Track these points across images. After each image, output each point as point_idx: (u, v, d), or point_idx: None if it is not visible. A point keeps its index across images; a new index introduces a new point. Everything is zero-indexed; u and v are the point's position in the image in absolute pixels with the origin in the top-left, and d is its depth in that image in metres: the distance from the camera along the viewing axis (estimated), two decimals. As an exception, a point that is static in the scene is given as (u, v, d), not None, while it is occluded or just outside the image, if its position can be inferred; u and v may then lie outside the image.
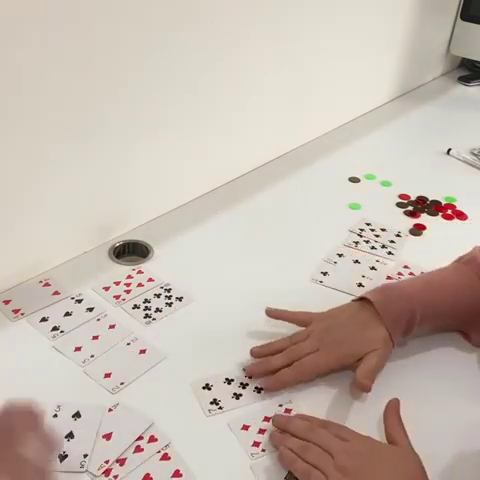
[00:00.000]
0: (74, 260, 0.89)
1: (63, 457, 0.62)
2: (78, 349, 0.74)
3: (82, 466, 0.61)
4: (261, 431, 0.66)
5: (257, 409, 0.69)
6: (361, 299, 0.76)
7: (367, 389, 0.69)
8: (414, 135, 1.38)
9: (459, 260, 0.81)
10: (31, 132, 0.75)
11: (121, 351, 0.75)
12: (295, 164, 1.19)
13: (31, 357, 0.73)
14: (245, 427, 0.66)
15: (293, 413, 0.68)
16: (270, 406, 0.69)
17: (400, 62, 1.48)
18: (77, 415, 0.66)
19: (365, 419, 0.69)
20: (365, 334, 0.72)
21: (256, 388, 0.71)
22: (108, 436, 0.64)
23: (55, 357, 0.73)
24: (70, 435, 0.64)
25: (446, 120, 1.47)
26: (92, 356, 0.73)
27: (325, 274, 0.90)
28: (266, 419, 0.67)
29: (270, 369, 0.71)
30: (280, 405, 0.69)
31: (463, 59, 1.76)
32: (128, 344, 0.76)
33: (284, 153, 1.21)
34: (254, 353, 0.73)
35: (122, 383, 0.70)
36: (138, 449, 0.63)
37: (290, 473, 0.61)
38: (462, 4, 1.60)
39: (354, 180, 1.16)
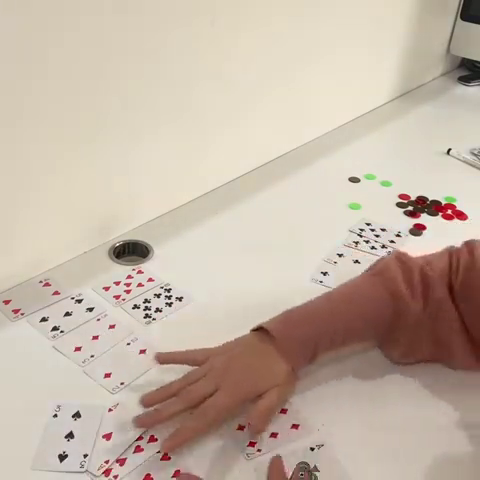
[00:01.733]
0: (74, 260, 0.89)
1: (63, 457, 0.62)
2: (78, 349, 0.74)
3: (82, 466, 0.61)
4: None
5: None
6: (261, 328, 0.69)
7: (259, 433, 0.64)
8: (414, 135, 1.38)
9: (370, 269, 0.75)
10: (31, 132, 0.75)
11: (121, 351, 0.75)
12: (295, 164, 1.19)
13: (31, 357, 0.73)
14: (241, 427, 0.66)
15: (289, 413, 0.68)
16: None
17: (400, 62, 1.48)
18: (77, 415, 0.66)
19: (364, 419, 0.69)
20: (266, 368, 0.66)
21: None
22: (108, 436, 0.64)
23: (55, 357, 0.73)
24: (70, 435, 0.64)
25: (446, 120, 1.47)
26: (92, 356, 0.73)
27: (325, 274, 0.90)
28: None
29: (164, 419, 0.63)
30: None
31: (463, 59, 1.76)
32: (128, 344, 0.76)
33: (284, 153, 1.22)
34: (145, 402, 0.64)
35: (122, 383, 0.70)
36: (138, 449, 0.63)
37: (293, 473, 0.61)
38: (462, 4, 1.61)
39: (354, 180, 1.16)
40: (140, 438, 0.64)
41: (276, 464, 0.59)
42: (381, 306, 0.70)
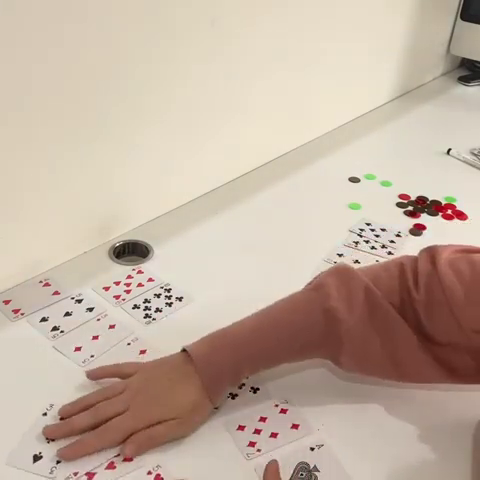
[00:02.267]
0: (74, 260, 0.89)
1: (37, 458, 0.61)
2: (78, 349, 0.74)
3: (51, 472, 0.60)
4: (257, 431, 0.66)
5: (253, 409, 0.69)
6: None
7: (126, 454, 0.62)
8: (414, 135, 1.38)
9: (310, 283, 0.71)
10: (31, 132, 0.75)
11: (121, 351, 0.75)
12: (295, 164, 1.19)
13: (31, 357, 0.73)
14: (241, 427, 0.66)
15: (289, 413, 0.68)
16: (266, 406, 0.69)
17: (400, 62, 1.48)
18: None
19: (363, 419, 0.69)
20: (175, 396, 0.65)
21: (252, 388, 0.71)
22: None
23: (55, 357, 0.73)
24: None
25: (446, 120, 1.47)
26: (92, 356, 0.73)
27: (325, 274, 0.90)
28: (262, 419, 0.67)
29: (72, 432, 0.63)
30: (276, 405, 0.69)
31: (463, 59, 1.76)
32: (128, 344, 0.76)
33: (284, 153, 1.22)
34: (62, 413, 0.65)
35: (122, 383, 0.70)
36: (110, 466, 0.61)
37: (293, 473, 0.61)
38: (462, 4, 1.61)
39: (354, 180, 1.16)
40: (117, 455, 0.62)
41: (271, 469, 0.59)
42: (312, 326, 0.67)
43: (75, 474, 0.60)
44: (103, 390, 0.67)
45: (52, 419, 0.65)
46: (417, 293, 0.66)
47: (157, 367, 0.68)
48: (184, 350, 0.68)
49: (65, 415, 0.65)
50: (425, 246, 0.70)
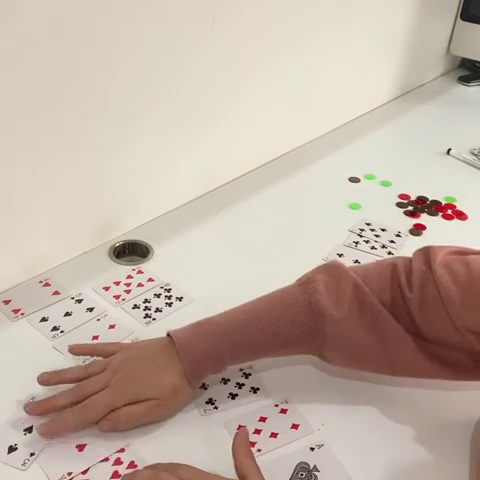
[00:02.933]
0: (74, 260, 0.89)
1: (12, 449, 0.61)
2: (78, 349, 0.74)
3: (24, 464, 0.60)
4: (257, 431, 0.66)
5: (253, 409, 0.69)
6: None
7: (102, 430, 0.64)
8: (414, 135, 1.38)
9: (299, 279, 0.72)
10: (31, 133, 0.75)
11: (121, 351, 0.75)
12: (295, 164, 1.19)
13: (31, 357, 0.73)
14: (241, 427, 0.66)
15: (289, 413, 0.68)
16: (266, 406, 0.69)
17: (400, 62, 1.48)
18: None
19: (363, 419, 0.69)
20: (155, 378, 0.65)
21: (252, 388, 0.71)
22: (81, 447, 0.63)
23: (55, 357, 0.73)
24: (29, 430, 0.64)
25: (446, 120, 1.47)
26: (92, 356, 0.73)
27: (325, 274, 0.90)
28: (262, 419, 0.67)
29: (53, 409, 0.64)
30: (276, 405, 0.69)
31: (463, 59, 1.76)
32: (128, 344, 0.76)
33: (284, 153, 1.22)
34: (41, 380, 0.66)
35: (122, 383, 0.70)
36: (116, 475, 0.61)
37: (293, 473, 0.61)
38: (462, 4, 1.60)
39: (354, 180, 1.16)
40: (119, 462, 0.62)
41: (242, 436, 0.60)
42: (298, 320, 0.67)
43: (69, 474, 0.60)
44: (84, 366, 0.68)
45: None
46: (410, 292, 0.66)
47: (141, 348, 0.69)
48: (169, 335, 0.68)
49: (46, 383, 0.66)
50: (423, 246, 0.70)
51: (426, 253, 0.68)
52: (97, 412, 0.63)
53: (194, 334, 0.67)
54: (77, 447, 0.63)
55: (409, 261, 0.69)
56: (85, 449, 0.63)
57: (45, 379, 0.66)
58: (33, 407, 0.64)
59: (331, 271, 0.70)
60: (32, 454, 0.61)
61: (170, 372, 0.66)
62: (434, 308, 0.65)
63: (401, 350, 0.67)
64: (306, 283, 0.69)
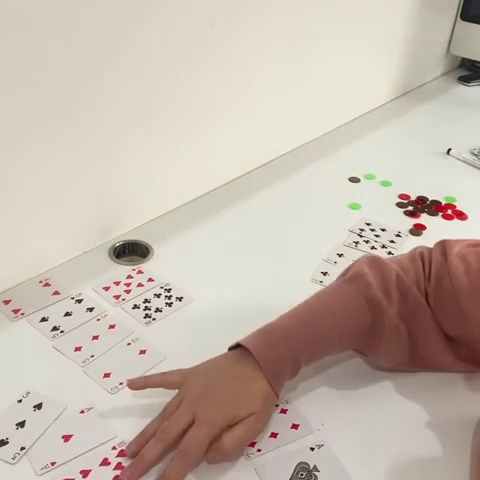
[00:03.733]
0: (74, 260, 0.89)
1: (3, 443, 0.62)
2: (78, 349, 0.74)
3: (14, 458, 0.60)
4: (257, 431, 0.66)
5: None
6: (238, 346, 0.66)
7: (211, 462, 0.61)
8: (414, 135, 1.38)
9: (344, 274, 0.73)
10: (31, 132, 0.75)
11: (121, 351, 0.75)
12: (295, 164, 1.19)
13: (31, 357, 0.73)
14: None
15: (289, 413, 0.68)
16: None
17: (400, 62, 1.48)
18: (38, 407, 0.66)
19: (363, 419, 0.69)
20: (243, 395, 0.63)
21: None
22: (67, 437, 0.63)
23: (55, 357, 0.73)
24: (21, 424, 0.64)
25: (446, 120, 1.47)
26: (92, 356, 0.73)
27: (325, 274, 0.90)
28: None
29: (148, 465, 0.59)
30: (276, 405, 0.69)
31: (463, 59, 1.76)
32: (128, 344, 0.76)
33: (284, 153, 1.22)
34: (130, 453, 0.61)
35: (121, 383, 0.70)
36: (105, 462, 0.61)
37: (293, 473, 0.61)
38: (462, 4, 1.61)
39: (354, 180, 1.16)
40: (121, 467, 0.60)
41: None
42: (358, 315, 0.68)
43: (53, 464, 0.60)
44: (162, 412, 0.63)
45: (23, 406, 0.65)
46: (428, 284, 0.68)
47: (212, 370, 0.65)
48: (234, 347, 0.66)
49: (136, 451, 0.60)
50: (440, 240, 0.73)
51: (443, 245, 0.71)
52: (199, 451, 0.59)
53: (267, 343, 0.65)
54: (63, 437, 0.63)
55: (430, 252, 0.72)
56: (71, 439, 0.63)
57: (133, 449, 0.61)
58: (130, 474, 0.59)
59: (373, 264, 0.71)
60: (23, 448, 0.61)
61: (256, 383, 0.63)
62: (446, 299, 0.67)
63: (428, 341, 0.69)
64: (357, 278, 0.69)
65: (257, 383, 0.63)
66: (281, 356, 0.65)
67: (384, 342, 0.69)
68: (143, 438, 0.61)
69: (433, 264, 0.69)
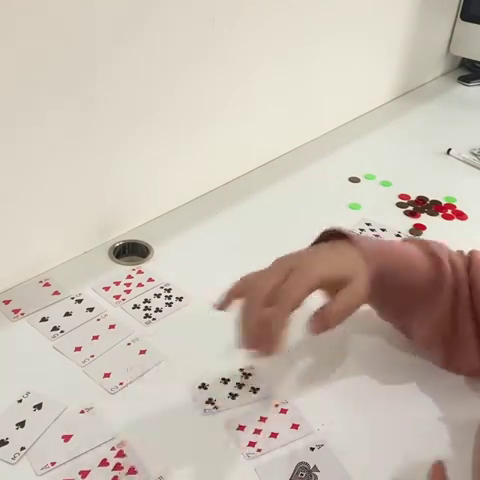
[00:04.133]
0: (74, 260, 0.89)
1: (3, 443, 0.61)
2: (78, 349, 0.74)
3: (14, 458, 0.60)
4: (257, 431, 0.66)
5: (253, 409, 0.69)
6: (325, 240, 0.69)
7: (323, 329, 0.60)
8: (414, 135, 1.38)
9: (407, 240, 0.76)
10: (31, 132, 0.75)
11: (121, 351, 0.75)
12: (295, 164, 1.19)
13: (31, 357, 0.73)
14: (241, 427, 0.66)
15: (289, 413, 0.68)
16: (266, 406, 0.69)
17: (400, 62, 1.48)
18: (38, 407, 0.66)
19: (363, 419, 0.69)
20: (344, 254, 0.65)
21: (252, 388, 0.71)
22: (67, 437, 0.63)
23: (55, 357, 0.73)
24: (21, 424, 0.64)
25: (446, 120, 1.47)
26: (92, 356, 0.73)
27: (325, 274, 0.90)
28: (262, 419, 0.67)
29: (263, 329, 0.59)
30: (276, 405, 0.69)
31: (463, 59, 1.76)
32: (128, 344, 0.76)
33: (284, 153, 1.22)
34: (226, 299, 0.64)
35: (121, 383, 0.70)
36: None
37: (293, 473, 0.61)
38: (462, 4, 1.61)
39: (354, 180, 1.16)
40: (119, 467, 0.61)
41: (439, 469, 0.58)
42: (423, 266, 0.69)
43: (53, 464, 0.60)
44: (256, 274, 0.66)
45: (23, 406, 0.65)
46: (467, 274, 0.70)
47: (306, 251, 0.67)
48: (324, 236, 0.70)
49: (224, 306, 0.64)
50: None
51: (470, 254, 0.73)
52: (302, 287, 0.60)
53: (363, 238, 0.68)
54: (63, 437, 0.63)
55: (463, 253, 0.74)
56: (71, 439, 0.63)
57: (223, 303, 0.64)
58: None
59: (426, 247, 0.71)
60: (23, 448, 0.61)
61: (353, 252, 0.64)
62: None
63: (467, 323, 0.69)
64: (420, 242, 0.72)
65: (354, 252, 0.65)
66: (375, 245, 0.68)
67: (439, 299, 0.68)
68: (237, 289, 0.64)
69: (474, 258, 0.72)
